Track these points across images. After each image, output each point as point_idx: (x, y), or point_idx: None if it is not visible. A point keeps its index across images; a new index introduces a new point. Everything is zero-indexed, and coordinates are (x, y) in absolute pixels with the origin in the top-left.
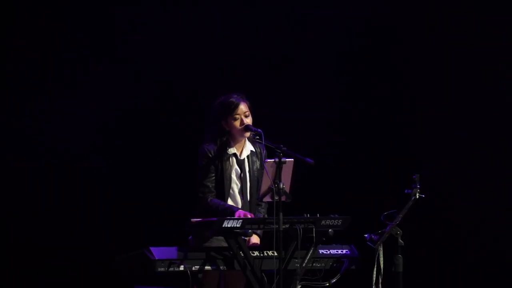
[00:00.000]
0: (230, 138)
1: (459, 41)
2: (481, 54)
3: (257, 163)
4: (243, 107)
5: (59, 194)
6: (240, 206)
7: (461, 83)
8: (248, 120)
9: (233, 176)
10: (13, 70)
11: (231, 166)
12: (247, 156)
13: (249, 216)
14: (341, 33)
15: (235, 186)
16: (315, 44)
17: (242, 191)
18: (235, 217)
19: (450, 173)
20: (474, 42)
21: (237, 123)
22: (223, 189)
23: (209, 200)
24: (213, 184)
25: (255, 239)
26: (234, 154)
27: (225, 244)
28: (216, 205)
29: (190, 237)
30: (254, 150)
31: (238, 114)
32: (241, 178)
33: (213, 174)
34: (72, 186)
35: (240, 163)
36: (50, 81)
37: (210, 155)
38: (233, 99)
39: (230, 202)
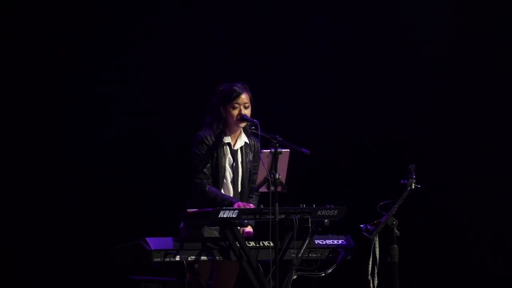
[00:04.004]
0: (226, 126)
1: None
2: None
3: (250, 156)
4: (244, 97)
5: (53, 187)
6: (231, 196)
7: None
8: (247, 112)
9: (227, 165)
10: None
11: (225, 155)
12: (241, 148)
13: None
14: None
15: (228, 175)
16: (311, 40)
17: (234, 181)
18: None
19: (446, 165)
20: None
21: (235, 112)
22: (218, 177)
23: (207, 188)
24: (210, 171)
25: (248, 228)
26: (228, 144)
27: (217, 234)
28: (215, 195)
29: (181, 225)
30: (248, 142)
31: (237, 104)
32: (233, 168)
33: (209, 161)
34: (66, 178)
35: (234, 153)
36: None
37: (207, 142)
38: (236, 88)
39: (223, 191)
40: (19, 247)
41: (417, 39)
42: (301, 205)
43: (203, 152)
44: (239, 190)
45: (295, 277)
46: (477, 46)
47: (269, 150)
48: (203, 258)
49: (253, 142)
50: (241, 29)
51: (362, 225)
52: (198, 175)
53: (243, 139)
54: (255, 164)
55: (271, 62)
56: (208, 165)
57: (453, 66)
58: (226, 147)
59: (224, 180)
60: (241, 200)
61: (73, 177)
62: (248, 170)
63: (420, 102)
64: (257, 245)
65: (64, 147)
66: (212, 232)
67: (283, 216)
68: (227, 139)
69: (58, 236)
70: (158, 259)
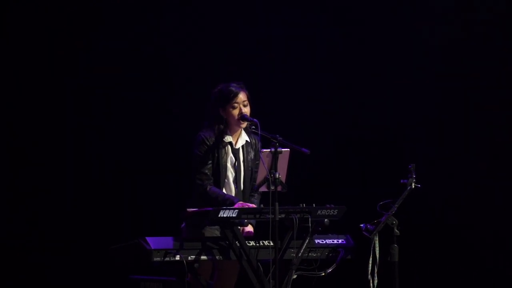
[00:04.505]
0: (227, 126)
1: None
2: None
3: (252, 154)
4: (242, 96)
5: (53, 186)
6: (233, 195)
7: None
8: (246, 110)
9: (228, 164)
10: None
11: (227, 155)
12: (242, 146)
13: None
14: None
15: (230, 174)
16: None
17: (236, 180)
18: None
19: (446, 164)
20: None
21: (235, 112)
22: (219, 177)
23: (208, 188)
24: (211, 172)
25: (249, 227)
26: (230, 143)
27: (218, 234)
28: (216, 195)
29: (183, 224)
30: (249, 140)
31: (236, 103)
32: (236, 167)
33: (210, 162)
34: (66, 178)
35: (235, 152)
36: None
37: (207, 142)
38: (232, 88)
39: (224, 190)
40: (19, 247)
41: (417, 39)
42: (301, 205)
43: (204, 152)
44: (242, 188)
45: (295, 276)
46: (477, 46)
47: (269, 150)
48: (203, 257)
49: (254, 140)
50: (241, 29)
51: (362, 225)
52: (199, 176)
53: (244, 138)
54: (257, 162)
55: (271, 62)
56: (209, 165)
57: (454, 66)
58: (227, 147)
59: (226, 180)
60: (244, 199)
61: (73, 177)
62: (250, 168)
63: (420, 102)
64: (257, 244)
65: (64, 146)
66: (214, 231)
67: (283, 215)
68: (228, 139)
69: (58, 235)
70: (158, 259)
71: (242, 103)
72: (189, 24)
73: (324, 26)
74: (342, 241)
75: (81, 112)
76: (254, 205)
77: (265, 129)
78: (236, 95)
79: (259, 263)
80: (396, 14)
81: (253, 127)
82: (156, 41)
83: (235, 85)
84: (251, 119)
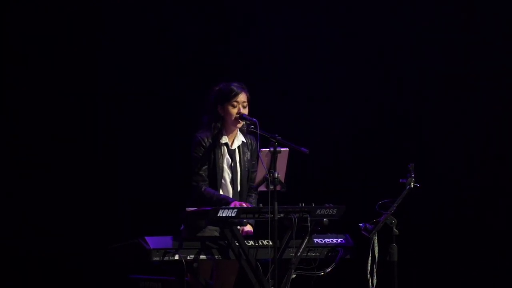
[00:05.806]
0: (223, 126)
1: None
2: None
3: (248, 154)
4: (242, 97)
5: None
6: (231, 196)
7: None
8: (245, 111)
9: (225, 165)
10: None
11: (223, 156)
12: (238, 147)
13: (245, 206)
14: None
15: (227, 175)
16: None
17: (233, 181)
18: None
19: (446, 164)
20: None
21: (233, 111)
22: (216, 178)
23: (203, 189)
24: (207, 173)
25: (248, 227)
26: (226, 144)
27: (217, 234)
28: (211, 195)
29: (182, 227)
30: (245, 141)
31: (236, 102)
32: (232, 168)
33: (207, 163)
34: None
35: (231, 153)
36: None
37: (204, 144)
38: (234, 87)
39: (221, 191)
40: (20, 246)
41: (418, 39)
42: (300, 204)
43: (200, 154)
44: (239, 189)
45: (294, 276)
46: (478, 45)
47: (268, 149)
48: (202, 257)
49: (249, 141)
50: (241, 28)
51: (361, 224)
52: (195, 178)
53: (240, 139)
54: (253, 162)
55: (271, 62)
56: (205, 167)
57: (454, 65)
58: (223, 148)
59: (223, 181)
60: (241, 199)
61: (73, 176)
62: (247, 169)
63: (420, 101)
64: (256, 244)
65: (62, 147)
66: (213, 232)
67: (282, 215)
68: (224, 139)
69: (57, 235)
70: (157, 258)
71: (241, 104)
72: (189, 25)
73: (324, 26)
74: (341, 240)
75: (84, 112)
76: (249, 205)
77: (264, 129)
78: (237, 94)
79: (258, 263)
80: (396, 14)
81: (252, 126)
82: (155, 43)
83: (237, 84)
84: (250, 118)
